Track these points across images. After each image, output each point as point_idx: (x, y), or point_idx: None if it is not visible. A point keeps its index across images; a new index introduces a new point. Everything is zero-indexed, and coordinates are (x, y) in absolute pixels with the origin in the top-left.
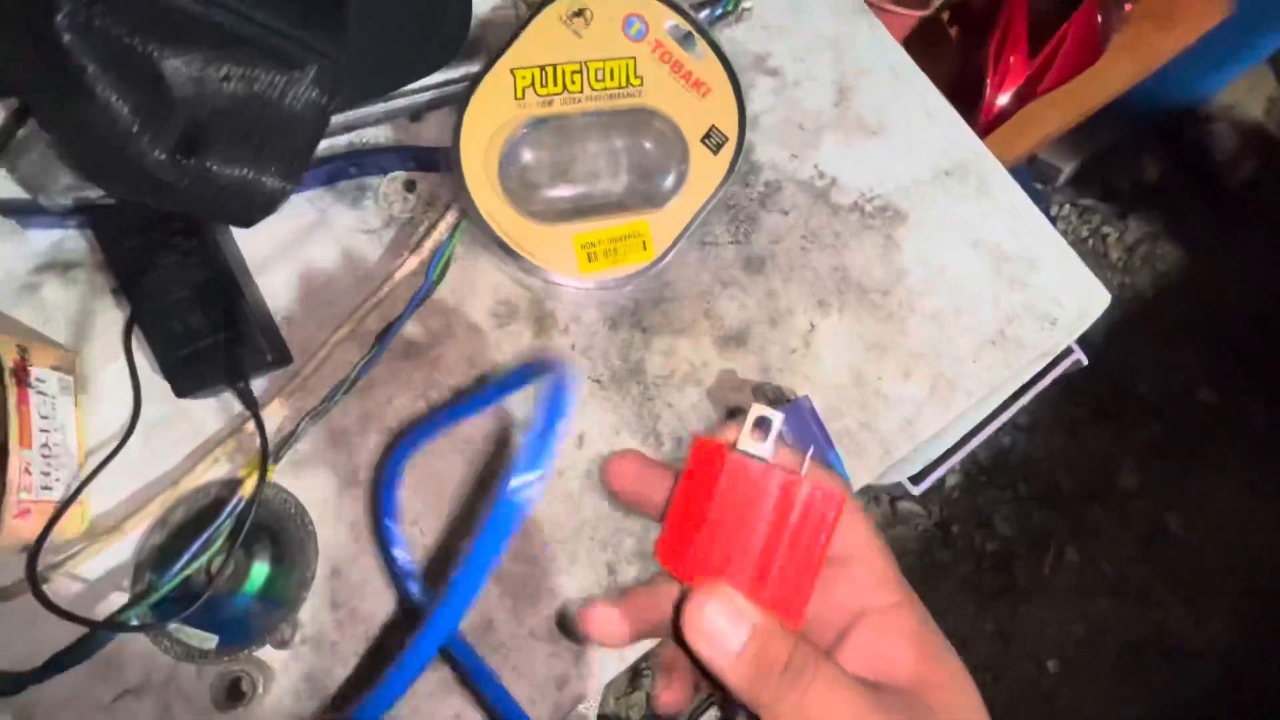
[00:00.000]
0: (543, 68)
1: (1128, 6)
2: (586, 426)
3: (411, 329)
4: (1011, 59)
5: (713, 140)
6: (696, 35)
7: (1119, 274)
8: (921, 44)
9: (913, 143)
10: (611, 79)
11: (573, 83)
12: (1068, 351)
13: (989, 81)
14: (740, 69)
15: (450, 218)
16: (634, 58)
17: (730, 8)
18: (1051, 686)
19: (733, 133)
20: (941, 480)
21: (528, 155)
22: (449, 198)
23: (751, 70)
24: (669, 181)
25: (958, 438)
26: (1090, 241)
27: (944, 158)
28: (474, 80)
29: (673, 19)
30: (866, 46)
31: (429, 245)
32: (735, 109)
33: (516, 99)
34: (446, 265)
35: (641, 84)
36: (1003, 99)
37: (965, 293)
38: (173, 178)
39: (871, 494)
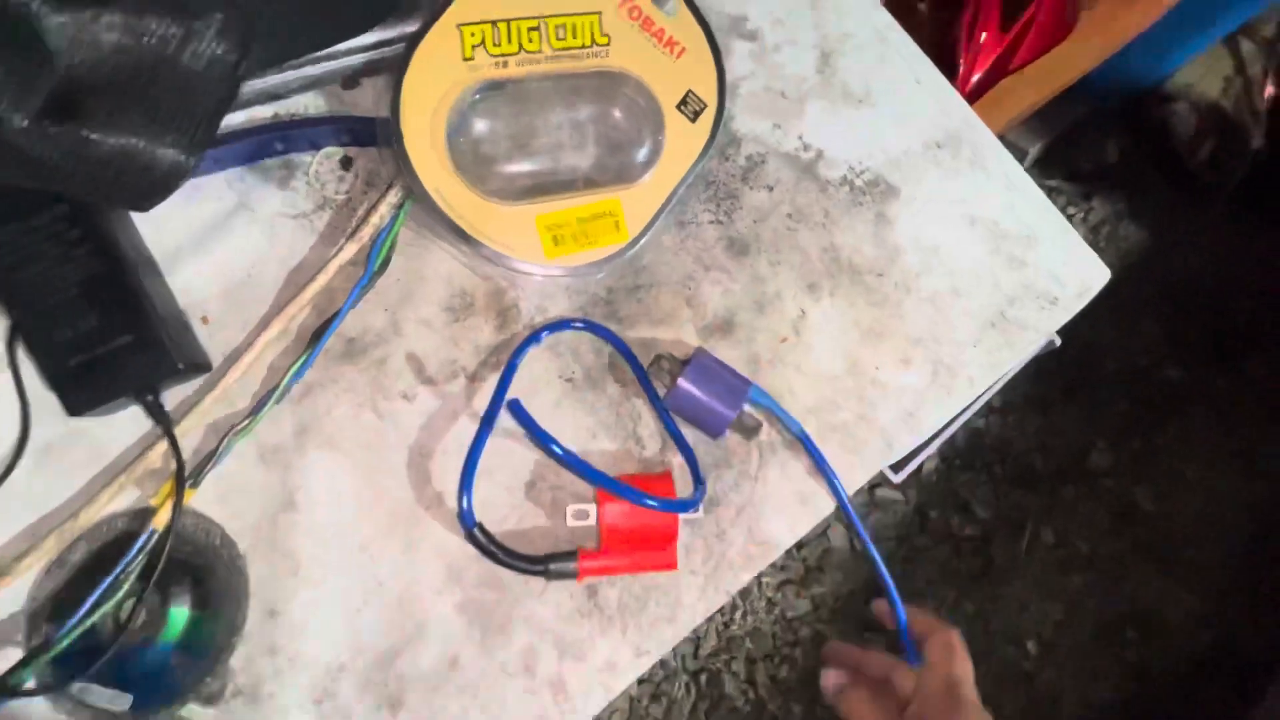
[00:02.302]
0: (495, 23)
1: None
2: (559, 430)
3: (352, 326)
4: (984, 35)
5: (689, 107)
6: None
7: None
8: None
9: (902, 112)
10: (574, 37)
11: (530, 41)
12: None
13: (962, 58)
14: (716, 31)
15: (393, 198)
16: (599, 13)
17: None
18: (1032, 667)
19: (712, 98)
20: (919, 467)
21: (481, 125)
22: (392, 175)
23: (728, 33)
24: (642, 153)
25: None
26: None
27: (935, 128)
28: (414, 38)
29: None
30: (849, 8)
31: (369, 230)
32: (714, 72)
33: (465, 59)
34: (390, 252)
35: (608, 43)
36: (976, 76)
37: (963, 273)
38: (40, 149)
39: None
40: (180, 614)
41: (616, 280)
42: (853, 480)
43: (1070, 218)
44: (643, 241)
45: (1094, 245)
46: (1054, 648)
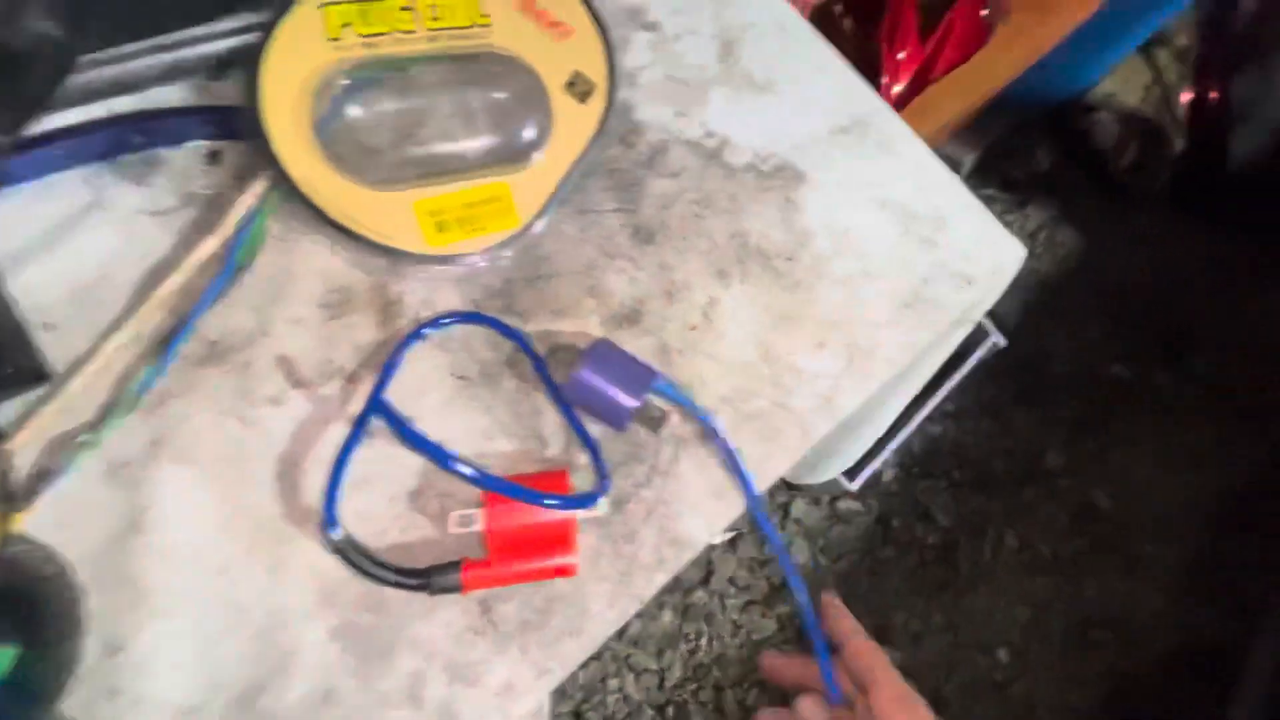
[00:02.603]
0: (363, 3)
1: None
2: (450, 432)
3: (214, 328)
4: (904, 46)
5: (578, 88)
6: None
7: (1026, 260)
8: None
9: (806, 99)
10: (451, 17)
11: (402, 21)
12: (985, 335)
13: (885, 69)
14: (612, 21)
15: (257, 188)
16: None
17: None
18: (1004, 677)
19: (601, 79)
20: (878, 474)
21: (357, 110)
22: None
23: (626, 24)
24: (529, 135)
25: (886, 425)
26: None
27: (841, 114)
28: (274, 18)
29: None
30: (749, 1)
31: (230, 224)
32: (602, 52)
33: (331, 40)
34: (256, 247)
35: (489, 24)
36: (899, 86)
37: (875, 255)
38: None
39: (811, 496)
40: (4, 654)
41: (514, 271)
42: (771, 470)
43: (1009, 225)
44: (538, 227)
45: (1033, 251)
46: (1025, 655)
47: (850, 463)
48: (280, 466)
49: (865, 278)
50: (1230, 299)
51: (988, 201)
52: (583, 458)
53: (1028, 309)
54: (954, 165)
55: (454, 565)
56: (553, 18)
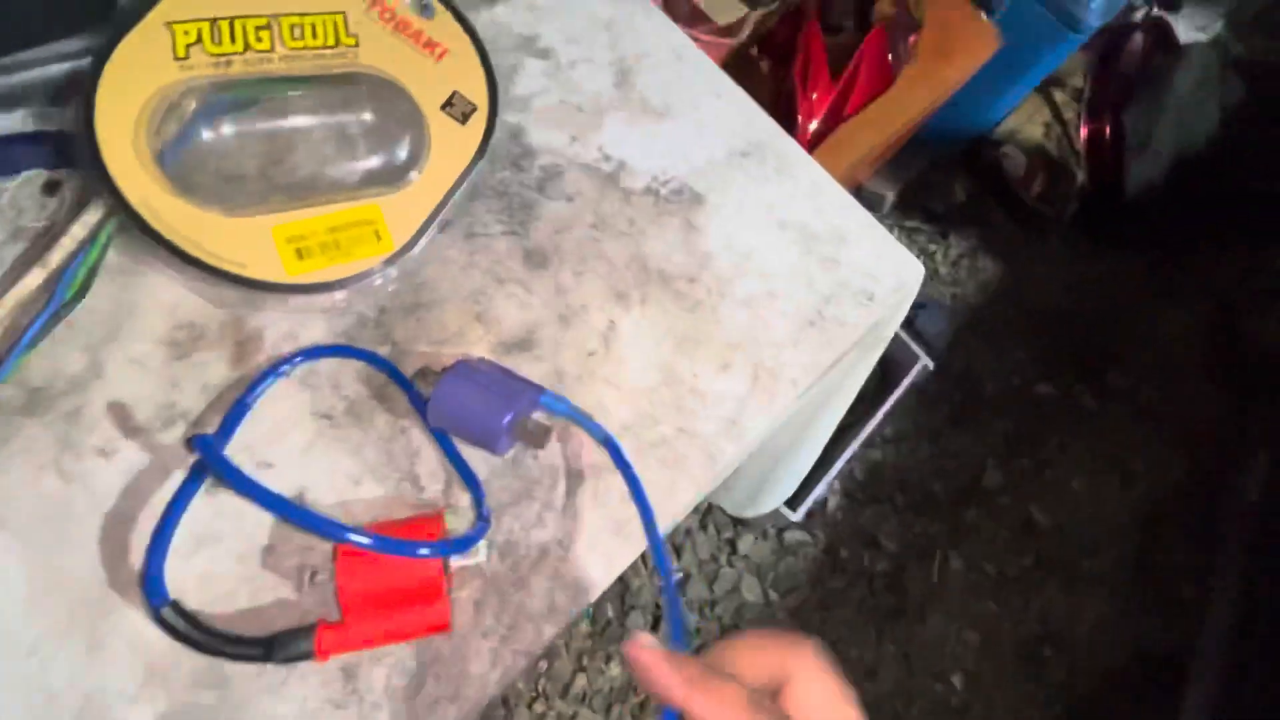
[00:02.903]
0: (214, 21)
1: (912, 39)
2: (312, 478)
3: (37, 372)
4: (816, 86)
5: (457, 109)
6: None
7: (949, 286)
8: (736, 75)
9: (703, 123)
10: (314, 37)
11: (259, 40)
12: (915, 359)
13: (800, 107)
14: (504, 48)
15: (91, 215)
16: (342, 13)
17: None
18: (961, 702)
19: (482, 100)
20: (823, 503)
21: (208, 134)
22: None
23: (519, 51)
24: (402, 155)
25: (818, 452)
26: (920, 259)
27: (738, 138)
28: (113, 37)
29: None
30: (644, 30)
31: (59, 254)
32: (482, 72)
33: (177, 59)
34: (89, 279)
35: (356, 44)
36: (814, 123)
37: (777, 275)
38: None
39: (758, 530)
40: None
41: (390, 299)
42: (679, 500)
43: (932, 255)
44: (414, 252)
45: (956, 278)
46: (978, 679)
47: (790, 492)
48: (107, 527)
49: (768, 298)
50: (1139, 317)
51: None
52: (464, 498)
53: (956, 333)
54: (877, 200)
55: (306, 630)
56: (429, 38)
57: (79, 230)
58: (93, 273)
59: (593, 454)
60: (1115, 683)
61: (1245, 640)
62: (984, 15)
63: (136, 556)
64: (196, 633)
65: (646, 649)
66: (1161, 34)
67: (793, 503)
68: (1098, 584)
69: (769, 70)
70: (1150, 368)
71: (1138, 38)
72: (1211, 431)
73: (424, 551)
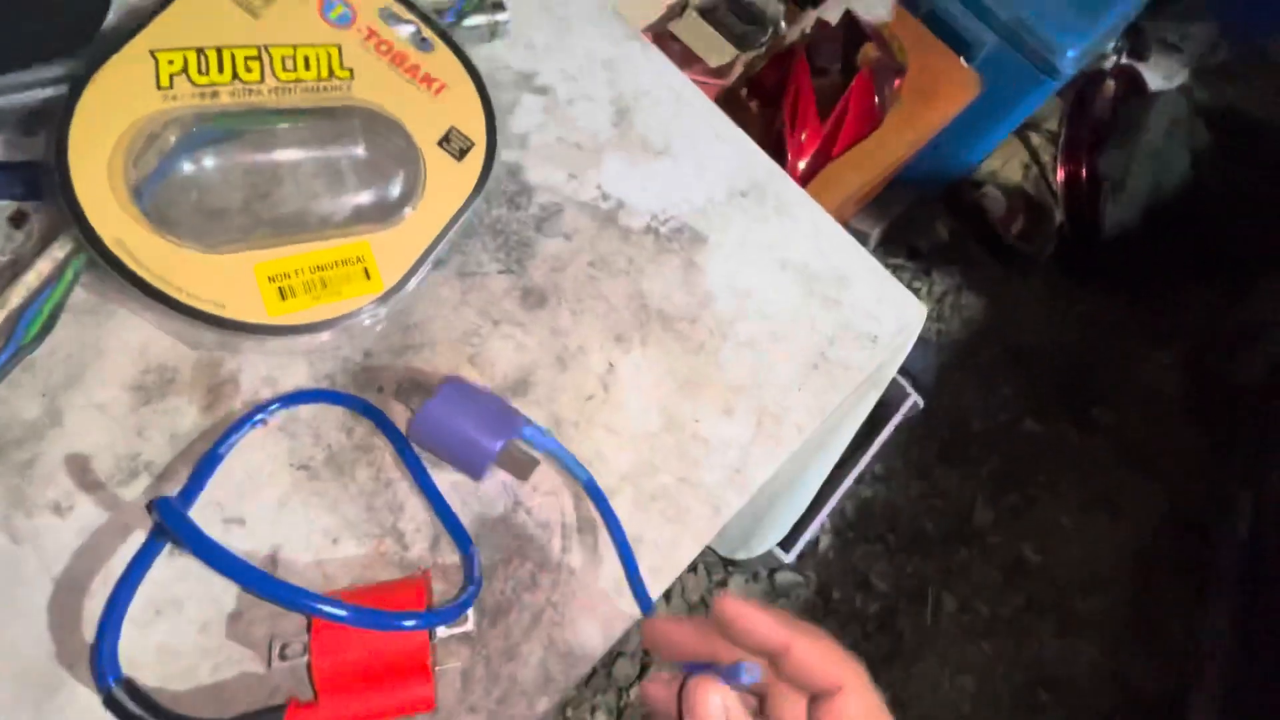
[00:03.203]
0: (201, 50)
1: (897, 82)
2: (285, 536)
3: None
4: (805, 126)
5: (454, 145)
6: (420, 25)
7: (935, 323)
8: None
9: (703, 163)
10: (308, 69)
11: (248, 70)
12: (904, 396)
13: (789, 147)
14: (502, 84)
15: (57, 251)
16: (338, 45)
17: (468, 7)
18: None
19: (480, 135)
20: (815, 543)
21: (189, 167)
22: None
23: (516, 88)
24: (395, 191)
25: (812, 494)
26: None
27: (738, 177)
28: (92, 64)
29: (384, 3)
30: (643, 69)
31: (20, 292)
32: (480, 108)
33: (160, 88)
34: (53, 319)
35: (350, 77)
36: (803, 162)
37: (779, 316)
38: None
39: (749, 571)
40: None
41: (377, 341)
42: (679, 558)
43: (916, 291)
44: (405, 292)
45: (941, 315)
46: None
47: (783, 533)
48: (58, 593)
49: (771, 339)
50: (1120, 354)
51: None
52: (452, 556)
53: (941, 370)
54: (862, 237)
55: (274, 710)
56: (426, 73)
57: (44, 265)
58: (57, 312)
59: (589, 508)
60: None
61: (1241, 683)
62: (964, 61)
63: (90, 627)
64: (149, 715)
65: (739, 600)
66: (1132, 81)
67: (785, 544)
68: (1091, 625)
69: (758, 111)
70: (1132, 404)
71: (1110, 84)
72: (1194, 468)
73: (409, 624)
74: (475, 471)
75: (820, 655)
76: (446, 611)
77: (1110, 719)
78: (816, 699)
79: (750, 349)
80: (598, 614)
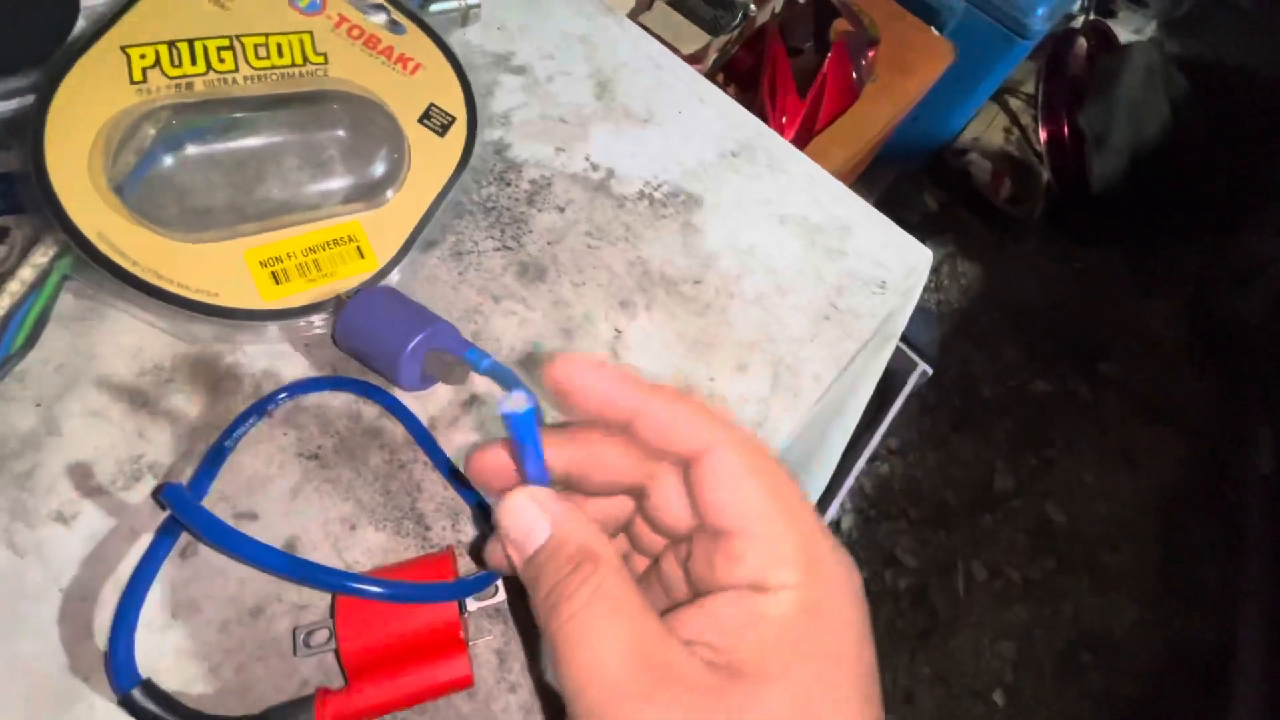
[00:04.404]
0: (172, 44)
1: (871, 54)
2: (301, 525)
3: None
4: (785, 104)
5: (435, 120)
6: (389, 8)
7: (935, 294)
8: None
9: (690, 128)
10: (281, 55)
11: (221, 60)
12: (913, 366)
13: (771, 127)
14: (478, 66)
15: (40, 256)
16: (309, 32)
17: None
18: None
19: (460, 110)
20: (836, 522)
21: (170, 160)
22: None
23: (493, 69)
24: (380, 170)
25: (832, 467)
26: None
27: (726, 138)
28: (63, 64)
29: None
30: (619, 41)
31: (4, 301)
32: (458, 83)
33: (134, 83)
34: (39, 327)
35: (325, 61)
36: (788, 139)
37: (784, 271)
38: None
39: None
40: None
41: None
42: None
43: None
44: (401, 270)
45: (940, 285)
46: (1020, 694)
47: None
48: (66, 603)
49: (778, 293)
50: (1122, 307)
51: None
52: (474, 533)
53: (945, 339)
54: None
55: (304, 701)
56: (401, 53)
57: (27, 273)
58: (44, 318)
59: None
60: (1157, 685)
61: None
62: (935, 30)
63: (102, 635)
64: (173, 717)
65: (571, 360)
66: (1102, 37)
67: None
68: (1125, 578)
69: (736, 95)
70: (1138, 355)
71: (1081, 42)
72: (1207, 412)
73: (441, 594)
74: (395, 374)
75: (674, 416)
76: (476, 581)
77: (1156, 678)
78: (689, 469)
79: (758, 305)
80: None
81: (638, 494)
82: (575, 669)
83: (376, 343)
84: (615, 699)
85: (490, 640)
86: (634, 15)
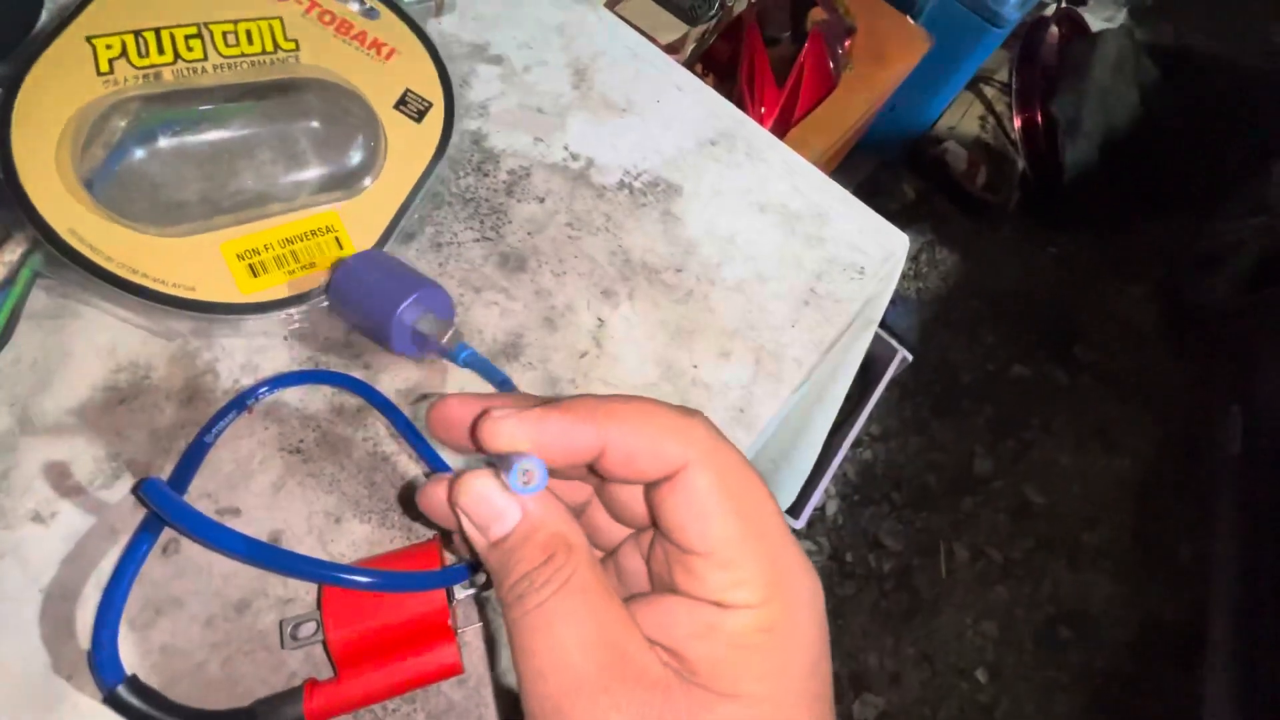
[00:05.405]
0: (138, 33)
1: (847, 43)
2: (286, 519)
3: None
4: (763, 94)
5: (411, 106)
6: None
7: (913, 281)
8: None
9: (668, 117)
10: (250, 42)
11: (189, 49)
12: (893, 353)
13: (749, 114)
14: (454, 56)
15: (8, 255)
16: (279, 18)
17: None
18: (989, 698)
19: (436, 95)
20: (822, 509)
21: (141, 153)
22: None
23: (470, 59)
24: (356, 158)
25: (815, 454)
26: None
27: (705, 127)
28: (27, 57)
29: None
30: (597, 31)
31: None
32: (433, 68)
33: (101, 74)
34: (10, 326)
35: (296, 48)
36: (767, 128)
37: (764, 258)
38: None
39: None
40: None
41: None
42: None
43: None
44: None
45: (919, 273)
46: (1002, 671)
47: (790, 499)
48: (47, 603)
49: (759, 280)
50: (1095, 291)
51: None
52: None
53: (924, 326)
54: None
55: (293, 693)
56: (375, 39)
57: None
58: (14, 318)
59: None
60: (1134, 659)
61: (1253, 594)
62: (911, 20)
63: (85, 634)
64: (160, 711)
65: (502, 415)
66: (1074, 24)
67: (793, 511)
68: (1101, 556)
69: (715, 85)
70: (1113, 338)
71: (1053, 30)
72: (1179, 393)
73: (428, 583)
74: (388, 339)
75: (638, 442)
76: (464, 569)
77: (1133, 650)
78: (654, 487)
79: (739, 292)
80: None
81: (599, 478)
82: (534, 657)
83: (370, 303)
84: (572, 689)
85: (479, 628)
86: (611, 4)
